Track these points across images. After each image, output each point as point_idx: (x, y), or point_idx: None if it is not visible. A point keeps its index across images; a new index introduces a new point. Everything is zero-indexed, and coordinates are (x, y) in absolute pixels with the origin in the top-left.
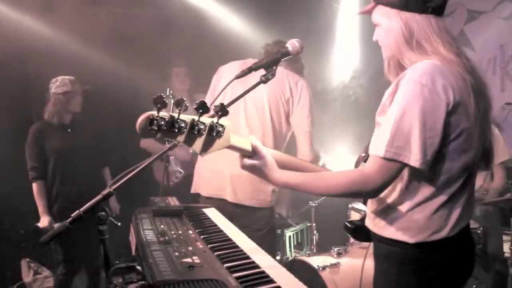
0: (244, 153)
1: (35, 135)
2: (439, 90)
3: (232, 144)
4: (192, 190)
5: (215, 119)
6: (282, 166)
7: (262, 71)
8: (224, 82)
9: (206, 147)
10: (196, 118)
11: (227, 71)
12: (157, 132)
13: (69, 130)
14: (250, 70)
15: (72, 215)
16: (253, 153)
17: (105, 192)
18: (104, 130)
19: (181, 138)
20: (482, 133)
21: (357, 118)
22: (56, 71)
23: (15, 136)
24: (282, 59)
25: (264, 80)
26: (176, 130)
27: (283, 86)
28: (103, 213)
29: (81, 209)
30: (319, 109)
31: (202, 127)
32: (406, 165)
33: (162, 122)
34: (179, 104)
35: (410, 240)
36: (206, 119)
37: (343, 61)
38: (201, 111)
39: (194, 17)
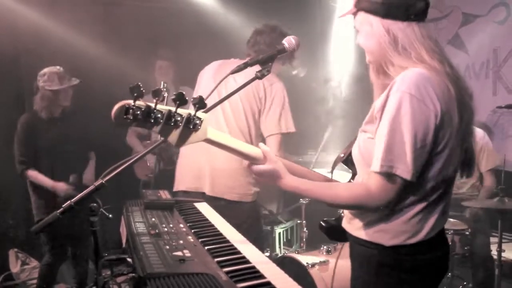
0: (235, 154)
1: (23, 127)
2: (428, 100)
3: (210, 138)
4: (174, 188)
5: (192, 111)
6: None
7: (257, 67)
8: (203, 84)
9: (182, 139)
10: (173, 109)
11: (206, 72)
12: (132, 122)
13: (59, 123)
14: (246, 65)
15: (63, 205)
16: (260, 160)
17: (97, 183)
18: (94, 123)
19: (157, 129)
20: (463, 144)
21: (350, 115)
22: (49, 62)
23: (5, 128)
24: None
25: (260, 76)
26: (152, 121)
27: (257, 86)
28: (95, 204)
29: (72, 200)
30: (312, 106)
31: (178, 118)
32: (402, 178)
33: (138, 112)
34: (156, 94)
35: (387, 243)
36: (183, 111)
37: (339, 58)
38: (178, 102)
39: (192, 11)
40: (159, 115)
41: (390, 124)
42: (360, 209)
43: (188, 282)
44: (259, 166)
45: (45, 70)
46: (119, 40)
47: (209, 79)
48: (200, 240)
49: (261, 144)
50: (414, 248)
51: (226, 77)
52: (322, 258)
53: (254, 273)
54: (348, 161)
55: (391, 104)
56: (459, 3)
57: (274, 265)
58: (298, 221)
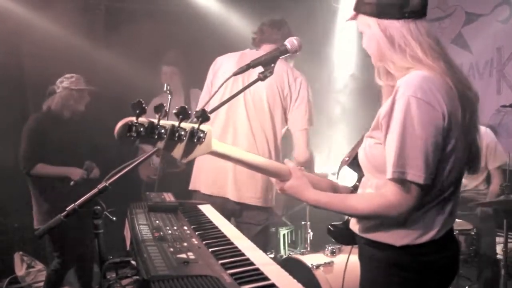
0: (242, 166)
1: (34, 126)
2: (434, 102)
3: (216, 150)
4: (191, 187)
5: (196, 125)
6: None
7: (260, 68)
8: (221, 75)
9: (186, 153)
10: (176, 123)
11: (224, 64)
12: (136, 139)
13: (68, 124)
14: (248, 67)
15: (67, 208)
16: (287, 176)
17: (100, 186)
18: (100, 125)
19: (160, 144)
20: (469, 140)
21: (354, 117)
22: (52, 65)
23: (8, 130)
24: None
25: (262, 77)
26: (156, 136)
27: (282, 81)
28: (99, 207)
29: (76, 203)
30: (316, 108)
31: (182, 133)
32: (415, 183)
33: (141, 129)
34: (158, 109)
35: (397, 243)
36: (186, 125)
37: (342, 60)
38: (181, 116)
39: (194, 14)
40: (162, 131)
41: (400, 129)
42: (381, 218)
43: (192, 285)
44: (287, 182)
45: (72, 74)
46: (122, 43)
47: (232, 70)
48: (204, 242)
49: (286, 160)
50: (423, 249)
51: (228, 78)
52: (327, 259)
53: (258, 275)
54: (353, 164)
55: (398, 110)
56: (462, 2)
57: (278, 266)
58: (303, 223)
